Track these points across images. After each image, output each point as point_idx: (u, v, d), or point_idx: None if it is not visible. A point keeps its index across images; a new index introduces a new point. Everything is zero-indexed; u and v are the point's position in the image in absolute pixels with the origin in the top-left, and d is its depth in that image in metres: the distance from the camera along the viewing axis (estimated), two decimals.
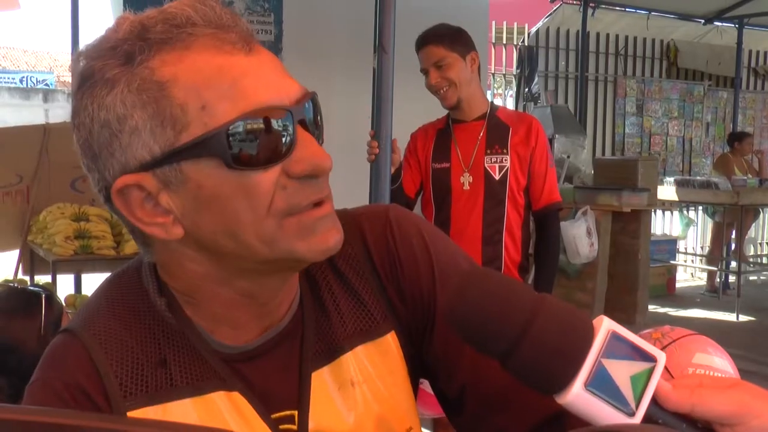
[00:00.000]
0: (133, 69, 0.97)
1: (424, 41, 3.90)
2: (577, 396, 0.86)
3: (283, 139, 0.99)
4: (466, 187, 3.97)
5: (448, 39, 3.90)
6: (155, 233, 1.03)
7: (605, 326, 0.89)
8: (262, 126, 0.97)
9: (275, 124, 0.98)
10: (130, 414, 1.06)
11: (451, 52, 3.88)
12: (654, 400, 0.87)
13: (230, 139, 0.96)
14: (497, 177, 3.95)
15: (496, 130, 3.99)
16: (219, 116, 0.96)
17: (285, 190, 1.00)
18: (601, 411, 0.86)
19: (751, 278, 11.74)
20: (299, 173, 1.00)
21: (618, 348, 0.88)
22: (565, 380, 0.87)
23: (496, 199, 3.97)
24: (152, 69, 0.97)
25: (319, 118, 1.07)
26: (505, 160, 3.95)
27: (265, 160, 0.98)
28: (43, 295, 2.76)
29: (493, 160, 3.95)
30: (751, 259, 12.17)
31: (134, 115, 0.97)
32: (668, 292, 10.74)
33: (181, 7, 0.99)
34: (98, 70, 0.99)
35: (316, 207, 1.03)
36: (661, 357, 0.89)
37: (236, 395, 1.11)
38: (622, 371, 0.87)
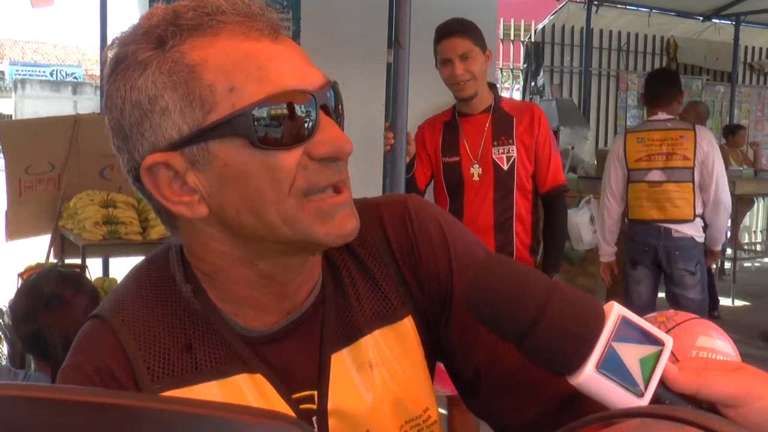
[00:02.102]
0: (165, 52, 0.98)
1: (451, 32, 3.86)
2: (589, 377, 0.87)
3: (307, 122, 0.99)
4: (476, 178, 3.97)
5: (472, 33, 3.88)
6: (181, 212, 1.03)
7: (616, 311, 0.89)
8: (286, 108, 0.98)
9: (299, 107, 0.99)
10: None
11: (476, 46, 3.86)
12: (662, 382, 0.88)
13: (256, 119, 0.96)
14: (505, 167, 3.96)
15: (501, 121, 3.99)
16: (246, 97, 0.97)
17: (306, 171, 1.00)
18: (612, 392, 0.87)
19: (745, 265, 11.70)
20: (321, 155, 1.00)
21: (628, 332, 0.88)
22: (577, 362, 0.87)
23: (505, 189, 3.97)
24: (183, 53, 0.98)
25: (340, 106, 1.07)
26: (512, 150, 3.96)
27: (289, 141, 0.98)
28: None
29: (500, 152, 3.95)
30: (745, 247, 12.12)
31: (165, 96, 0.98)
32: None
33: None
34: (131, 54, 1.00)
35: (335, 193, 1.03)
36: (669, 341, 0.89)
37: (258, 377, 1.11)
38: (631, 354, 0.87)
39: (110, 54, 1.03)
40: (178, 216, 1.06)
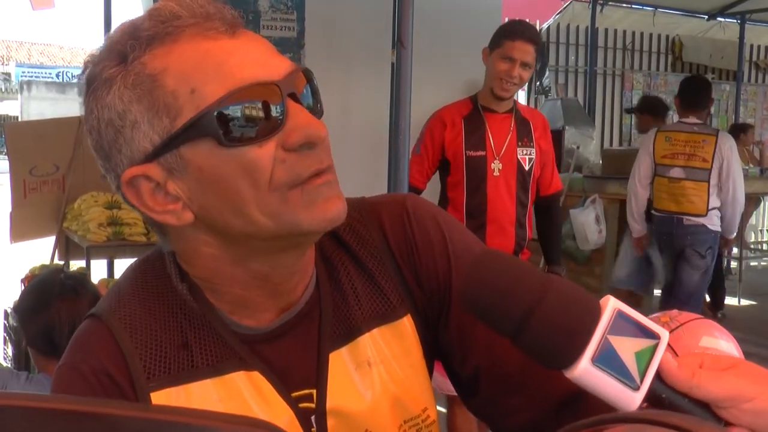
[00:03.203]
0: (127, 66, 0.99)
1: (529, 38, 3.95)
2: (585, 370, 0.87)
3: (274, 113, 0.98)
4: (496, 173, 4.06)
5: (539, 48, 4.02)
6: (168, 221, 1.03)
7: (611, 305, 0.89)
8: (250, 101, 0.97)
9: (264, 98, 0.98)
10: (154, 395, 1.06)
11: (534, 61, 3.99)
12: (658, 376, 0.88)
13: (220, 117, 0.96)
14: (527, 168, 4.14)
15: (523, 124, 4.15)
16: (208, 97, 0.96)
17: (284, 164, 0.98)
18: (608, 385, 0.87)
19: (752, 264, 11.67)
20: (294, 144, 0.98)
21: (623, 326, 0.88)
22: (573, 356, 0.88)
23: (525, 187, 4.16)
24: (144, 63, 0.98)
25: (315, 91, 1.06)
26: (533, 153, 4.15)
27: (259, 135, 0.97)
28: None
29: (524, 153, 4.12)
30: (752, 246, 12.10)
31: (132, 109, 0.98)
32: None
33: (166, 4, 1.00)
34: (98, 74, 1.00)
35: (317, 176, 1.01)
36: (664, 335, 0.89)
37: (256, 375, 1.10)
38: (627, 347, 0.87)
39: (83, 78, 1.04)
40: (166, 224, 1.05)
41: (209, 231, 1.04)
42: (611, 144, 12.24)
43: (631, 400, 0.87)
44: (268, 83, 0.98)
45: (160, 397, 1.06)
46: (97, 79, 1.00)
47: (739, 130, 10.99)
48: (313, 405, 1.13)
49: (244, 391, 1.09)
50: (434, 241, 1.21)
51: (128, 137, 0.99)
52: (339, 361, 1.15)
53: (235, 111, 0.96)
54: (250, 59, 0.99)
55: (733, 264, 10.81)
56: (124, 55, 0.99)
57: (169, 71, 0.97)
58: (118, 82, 0.98)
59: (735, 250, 10.51)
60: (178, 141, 0.97)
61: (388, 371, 1.17)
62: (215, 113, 0.95)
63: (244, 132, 0.96)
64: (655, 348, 0.88)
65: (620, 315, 0.88)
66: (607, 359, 0.87)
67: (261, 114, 0.97)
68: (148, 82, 0.97)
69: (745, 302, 9.17)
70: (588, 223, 7.63)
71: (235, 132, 0.96)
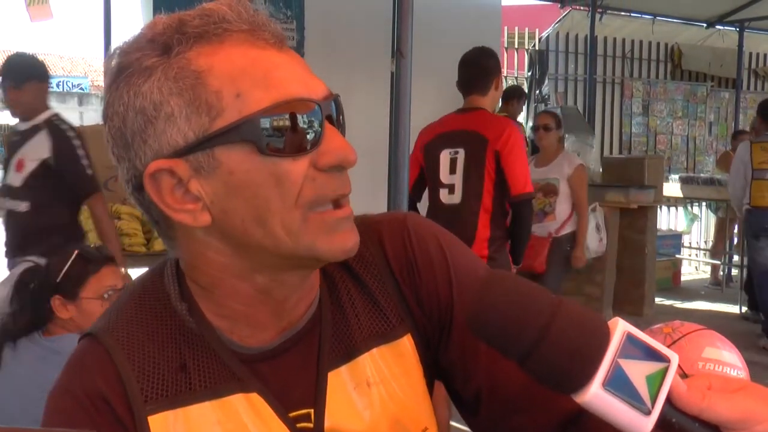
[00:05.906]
0: (170, 59, 0.98)
1: None
2: (596, 395, 0.85)
3: (312, 131, 0.99)
4: None
5: None
6: (183, 220, 1.02)
7: (620, 328, 0.88)
8: (293, 116, 0.97)
9: (305, 116, 0.98)
10: (151, 418, 1.05)
11: None
12: (668, 400, 0.86)
13: (263, 125, 0.96)
14: None
15: None
16: (253, 104, 0.96)
17: (314, 182, 0.99)
18: (619, 410, 0.85)
19: None
20: (327, 164, 1.00)
21: (633, 349, 0.87)
22: (583, 380, 0.86)
23: None
24: (189, 59, 0.98)
25: (341, 118, 1.07)
26: None
27: (295, 150, 0.98)
28: None
29: None
30: None
31: (170, 102, 0.97)
32: (674, 285, 10.66)
33: (217, 6, 1.01)
34: (135, 61, 0.99)
35: (337, 208, 1.02)
36: (674, 357, 0.88)
37: (254, 396, 1.09)
38: (637, 371, 0.86)
39: (112, 63, 1.03)
40: (178, 225, 1.05)
41: (222, 237, 1.04)
42: (611, 152, 12.23)
43: (643, 425, 0.85)
44: (310, 101, 0.99)
45: (157, 421, 1.05)
46: (133, 65, 0.99)
47: (739, 138, 11.01)
48: (311, 425, 1.11)
49: (242, 414, 1.08)
50: (435, 260, 1.20)
51: (159, 129, 0.98)
52: (338, 380, 1.14)
53: (278, 122, 0.97)
54: (295, 75, 1.00)
55: (734, 272, 10.80)
56: (167, 47, 0.98)
57: (214, 71, 0.97)
58: (158, 73, 0.98)
59: (736, 258, 10.51)
60: (214, 141, 0.97)
61: (387, 391, 1.16)
62: (259, 121, 0.96)
63: (282, 144, 0.97)
64: (665, 371, 0.86)
65: (630, 338, 0.87)
66: (618, 383, 0.85)
67: (301, 129, 0.98)
68: (192, 77, 0.97)
69: (746, 309, 9.12)
70: (589, 232, 7.61)
71: (275, 142, 0.97)
